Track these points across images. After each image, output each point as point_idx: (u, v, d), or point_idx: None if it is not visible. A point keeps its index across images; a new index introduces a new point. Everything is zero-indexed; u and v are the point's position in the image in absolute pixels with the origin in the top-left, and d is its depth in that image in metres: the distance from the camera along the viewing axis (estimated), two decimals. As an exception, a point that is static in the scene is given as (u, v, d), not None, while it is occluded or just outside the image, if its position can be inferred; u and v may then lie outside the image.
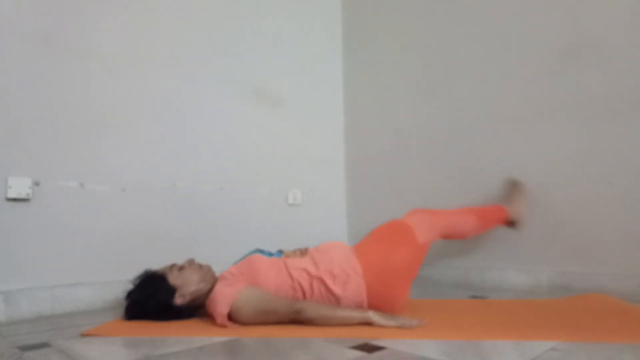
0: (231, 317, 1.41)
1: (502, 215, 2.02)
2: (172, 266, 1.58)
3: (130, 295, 1.55)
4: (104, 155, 1.91)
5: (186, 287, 1.53)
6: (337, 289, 1.48)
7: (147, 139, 2.05)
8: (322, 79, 2.93)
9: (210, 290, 1.53)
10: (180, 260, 1.67)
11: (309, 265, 1.53)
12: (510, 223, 2.06)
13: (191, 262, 1.61)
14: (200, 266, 1.60)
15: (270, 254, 1.63)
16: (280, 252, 1.67)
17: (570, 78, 2.02)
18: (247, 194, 2.41)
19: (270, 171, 2.53)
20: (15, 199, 1.67)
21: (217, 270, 1.68)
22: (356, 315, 1.39)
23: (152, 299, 1.50)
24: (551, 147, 2.07)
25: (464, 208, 1.98)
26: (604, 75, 1.93)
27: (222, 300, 1.41)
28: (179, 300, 1.51)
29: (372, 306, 1.49)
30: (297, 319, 1.39)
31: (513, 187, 2.11)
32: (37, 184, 1.72)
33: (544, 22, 2.12)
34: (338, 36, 3.07)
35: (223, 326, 1.40)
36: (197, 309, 1.56)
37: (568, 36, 2.04)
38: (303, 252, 1.63)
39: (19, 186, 1.66)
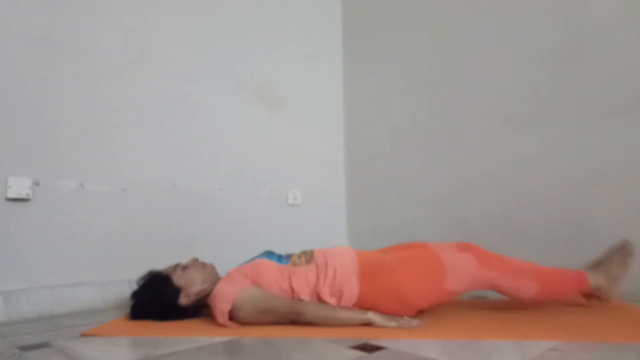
0: (232, 316, 1.41)
1: (578, 285, 1.53)
2: (176, 266, 1.58)
3: (135, 295, 1.55)
4: (104, 155, 1.91)
5: (190, 288, 1.53)
6: (333, 303, 1.48)
7: (147, 139, 2.05)
8: (322, 79, 2.93)
9: None
10: (180, 260, 1.67)
11: (312, 278, 1.50)
12: (589, 296, 1.58)
13: (195, 261, 1.61)
14: (204, 265, 1.60)
15: (279, 257, 1.61)
16: (287, 257, 1.63)
17: (570, 78, 2.02)
18: (247, 194, 2.41)
19: (270, 171, 2.53)
20: (15, 199, 1.67)
21: (219, 270, 1.68)
22: (356, 316, 1.38)
23: (157, 299, 1.51)
24: (551, 147, 2.06)
25: (531, 266, 1.54)
26: (604, 75, 1.93)
27: (224, 298, 1.41)
28: (183, 300, 1.52)
29: None
30: (297, 320, 1.39)
31: (617, 251, 1.60)
32: (37, 184, 1.72)
33: (543, 22, 2.12)
34: (338, 36, 3.07)
35: (223, 325, 1.40)
36: (201, 309, 1.56)
37: (567, 36, 2.04)
38: (309, 257, 1.58)
39: (19, 186, 1.66)
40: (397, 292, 1.43)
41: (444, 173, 2.46)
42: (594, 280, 1.53)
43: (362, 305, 1.46)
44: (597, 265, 1.59)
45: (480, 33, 2.36)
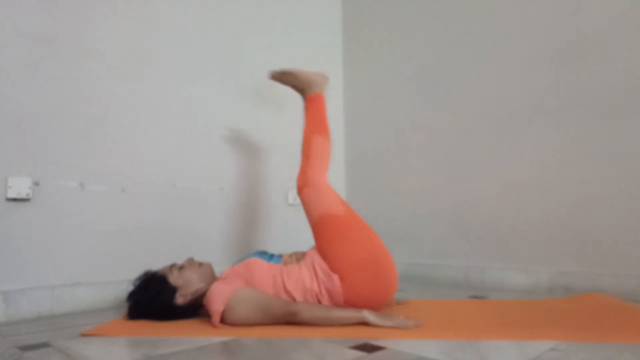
0: (227, 317, 1.41)
1: (319, 98, 1.90)
2: (172, 266, 1.58)
3: (131, 296, 1.55)
4: (104, 155, 1.91)
5: (187, 287, 1.53)
6: (325, 302, 1.50)
7: (147, 139, 2.05)
8: (322, 79, 2.92)
9: None
10: (179, 260, 1.67)
11: (304, 277, 1.52)
12: (320, 90, 1.94)
13: (191, 261, 1.61)
14: (200, 264, 1.60)
15: (271, 257, 1.62)
16: (280, 256, 1.65)
17: (570, 77, 2.03)
18: (247, 194, 2.41)
19: (270, 171, 2.53)
20: (15, 199, 1.67)
21: (217, 270, 1.68)
22: (352, 315, 1.38)
23: (154, 300, 1.51)
24: (551, 147, 2.07)
25: (303, 141, 1.82)
26: (604, 74, 1.93)
27: (217, 299, 1.41)
28: (179, 300, 1.52)
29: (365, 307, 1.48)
30: (292, 321, 1.39)
31: (287, 77, 1.96)
32: (37, 184, 1.72)
33: (543, 21, 2.12)
34: (338, 36, 3.07)
35: (215, 326, 1.40)
36: (199, 308, 1.57)
37: (567, 35, 2.04)
38: (300, 257, 1.62)
39: (19, 186, 1.66)
40: (358, 262, 1.50)
41: (445, 173, 2.46)
42: (316, 90, 1.91)
43: (347, 289, 1.49)
44: (303, 90, 1.95)
45: (481, 32, 2.36)
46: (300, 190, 1.72)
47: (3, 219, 1.64)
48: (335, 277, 1.49)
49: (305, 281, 1.51)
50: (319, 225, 1.61)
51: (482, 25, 2.35)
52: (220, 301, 1.40)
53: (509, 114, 2.22)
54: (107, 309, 1.79)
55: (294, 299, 1.49)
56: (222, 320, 1.42)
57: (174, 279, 1.53)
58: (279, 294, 1.50)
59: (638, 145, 1.84)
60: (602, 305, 1.59)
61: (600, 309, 1.55)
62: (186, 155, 2.18)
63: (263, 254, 1.64)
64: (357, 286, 1.48)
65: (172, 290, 1.52)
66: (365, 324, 1.36)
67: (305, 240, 2.46)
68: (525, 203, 2.13)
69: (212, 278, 1.59)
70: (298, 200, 2.64)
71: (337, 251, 1.52)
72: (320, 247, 1.58)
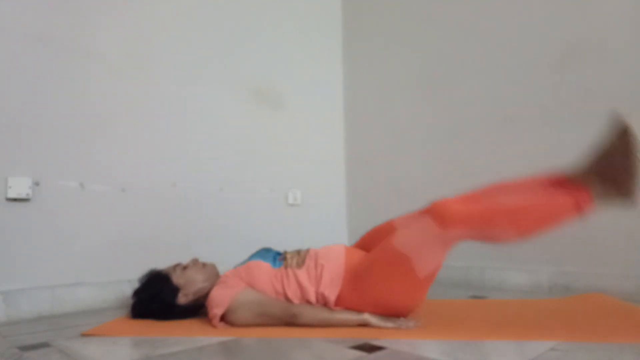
0: (228, 319, 1.42)
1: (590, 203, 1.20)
2: (176, 265, 1.60)
3: (135, 294, 1.57)
4: (104, 155, 1.91)
5: (189, 287, 1.54)
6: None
7: (147, 139, 2.05)
8: (322, 79, 2.93)
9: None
10: (180, 260, 1.67)
11: (304, 283, 1.48)
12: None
13: (195, 261, 1.62)
14: (204, 265, 1.61)
15: (275, 256, 1.61)
16: (282, 259, 1.60)
17: (571, 79, 2.02)
18: (247, 194, 2.41)
19: (270, 171, 2.54)
20: (15, 199, 1.67)
21: (220, 270, 1.67)
22: (352, 317, 1.38)
23: (156, 298, 1.52)
24: (551, 147, 2.06)
25: (510, 204, 1.26)
26: (605, 76, 1.93)
27: (218, 303, 1.42)
28: (182, 299, 1.53)
29: None
30: (293, 323, 1.39)
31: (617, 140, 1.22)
32: (37, 184, 1.72)
33: (544, 23, 2.12)
34: (338, 36, 3.07)
35: (215, 327, 1.41)
36: (200, 309, 1.57)
37: (568, 36, 2.04)
38: (301, 261, 1.54)
39: (19, 186, 1.66)
40: (378, 303, 1.39)
41: (445, 173, 2.46)
42: (618, 198, 1.17)
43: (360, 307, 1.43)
44: (609, 182, 1.24)
45: (481, 32, 2.36)
46: (431, 215, 1.29)
47: (3, 219, 1.64)
48: (333, 292, 1.42)
49: (302, 290, 1.47)
50: (392, 259, 1.33)
51: (483, 26, 2.34)
52: (221, 306, 1.41)
53: (510, 115, 2.21)
54: (107, 309, 1.79)
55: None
56: (226, 322, 1.42)
57: (176, 277, 1.55)
58: (280, 297, 1.50)
59: (638, 145, 1.83)
60: (602, 305, 1.59)
61: (600, 309, 1.55)
62: (186, 155, 2.18)
63: (267, 252, 1.62)
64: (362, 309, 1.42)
65: (174, 289, 1.53)
66: (365, 325, 1.36)
67: (304, 240, 2.46)
68: (525, 203, 2.13)
69: (216, 278, 1.59)
70: (298, 200, 2.65)
71: (377, 287, 1.37)
72: (367, 270, 1.40)
